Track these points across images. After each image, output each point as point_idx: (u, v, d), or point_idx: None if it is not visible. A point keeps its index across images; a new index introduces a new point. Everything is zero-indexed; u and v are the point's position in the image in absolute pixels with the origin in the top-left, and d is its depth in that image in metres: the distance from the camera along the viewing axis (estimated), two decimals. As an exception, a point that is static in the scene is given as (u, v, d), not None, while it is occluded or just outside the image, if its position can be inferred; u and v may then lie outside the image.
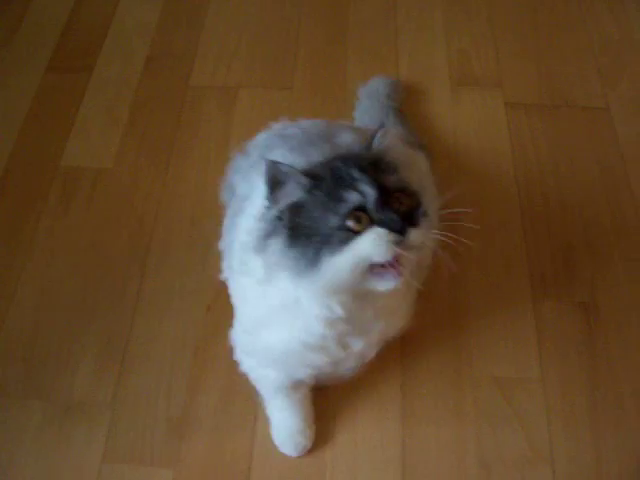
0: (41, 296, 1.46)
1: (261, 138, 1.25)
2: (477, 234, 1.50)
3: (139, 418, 1.30)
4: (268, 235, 0.93)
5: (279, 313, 1.00)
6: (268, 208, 0.93)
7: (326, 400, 1.31)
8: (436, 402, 1.31)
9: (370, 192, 0.89)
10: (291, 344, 1.03)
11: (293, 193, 0.91)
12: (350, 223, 0.88)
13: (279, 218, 0.92)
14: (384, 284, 0.91)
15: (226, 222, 1.22)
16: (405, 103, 1.72)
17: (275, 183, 0.91)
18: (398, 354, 1.35)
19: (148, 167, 1.64)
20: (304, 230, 0.90)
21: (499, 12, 1.99)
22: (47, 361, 1.37)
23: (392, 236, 0.88)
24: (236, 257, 1.07)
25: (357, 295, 0.95)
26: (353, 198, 0.89)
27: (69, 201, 1.60)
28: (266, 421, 1.28)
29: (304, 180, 0.91)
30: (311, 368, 1.12)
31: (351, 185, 0.90)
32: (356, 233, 0.88)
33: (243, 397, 1.32)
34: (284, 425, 1.27)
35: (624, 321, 1.40)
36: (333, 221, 0.89)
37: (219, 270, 1.21)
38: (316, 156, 1.05)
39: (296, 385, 1.20)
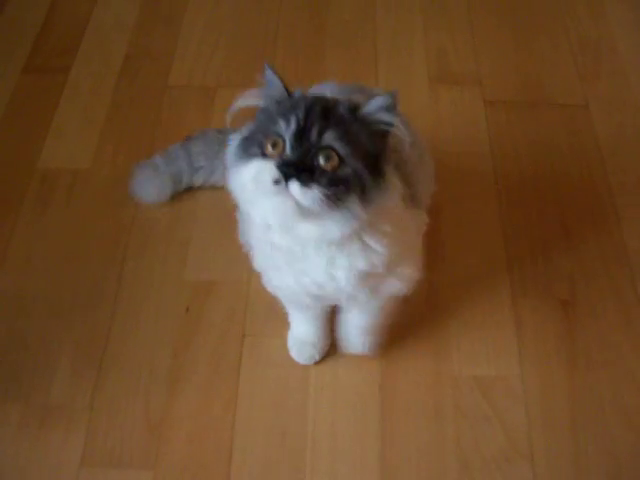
0: (18, 299, 1.44)
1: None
2: (455, 232, 1.52)
3: (118, 420, 1.29)
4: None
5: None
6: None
7: (305, 400, 1.31)
8: (416, 401, 1.31)
9: (292, 127, 0.92)
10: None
11: (265, 100, 1.00)
12: (265, 144, 0.94)
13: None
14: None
15: None
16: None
17: (261, 84, 1.00)
18: (377, 353, 1.35)
19: (126, 167, 1.62)
20: (251, 138, 0.97)
21: (478, 10, 2.00)
22: (25, 364, 1.36)
23: (273, 173, 0.91)
24: None
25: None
26: (277, 125, 0.93)
27: (46, 203, 1.59)
28: (245, 419, 1.28)
29: (277, 92, 0.98)
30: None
31: (286, 115, 0.93)
32: (263, 156, 0.94)
33: (222, 397, 1.31)
34: (296, 335, 1.35)
35: (602, 317, 1.41)
36: (259, 138, 0.95)
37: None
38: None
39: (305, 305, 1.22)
